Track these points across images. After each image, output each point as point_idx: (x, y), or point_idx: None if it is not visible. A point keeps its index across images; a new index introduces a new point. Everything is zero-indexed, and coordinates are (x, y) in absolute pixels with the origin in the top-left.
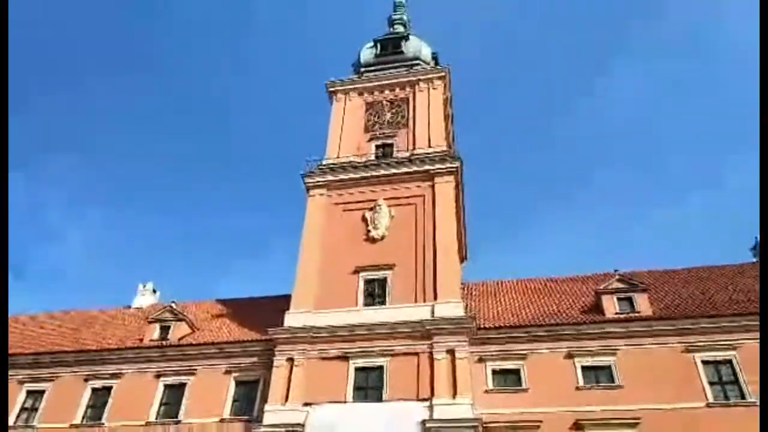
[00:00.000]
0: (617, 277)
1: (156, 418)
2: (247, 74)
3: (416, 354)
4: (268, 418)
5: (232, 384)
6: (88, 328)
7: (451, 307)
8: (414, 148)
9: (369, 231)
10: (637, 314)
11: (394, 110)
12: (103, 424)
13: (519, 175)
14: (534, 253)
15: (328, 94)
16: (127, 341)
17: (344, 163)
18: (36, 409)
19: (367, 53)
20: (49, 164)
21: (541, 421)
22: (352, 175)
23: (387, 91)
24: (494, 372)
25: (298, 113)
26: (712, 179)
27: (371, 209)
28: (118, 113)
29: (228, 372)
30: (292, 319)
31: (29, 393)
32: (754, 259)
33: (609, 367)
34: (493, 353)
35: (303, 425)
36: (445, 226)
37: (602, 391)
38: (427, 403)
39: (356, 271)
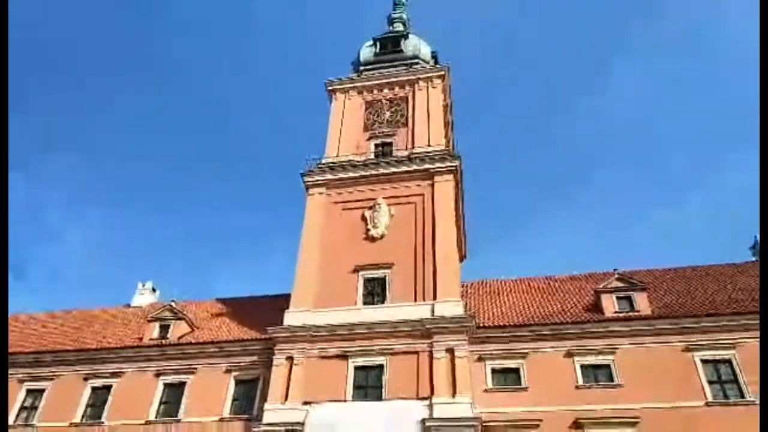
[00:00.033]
0: (616, 276)
1: (156, 417)
2: (247, 74)
3: (416, 353)
4: (267, 417)
5: (232, 383)
6: (88, 327)
7: (451, 306)
8: (413, 147)
9: (368, 230)
10: (636, 313)
11: (393, 109)
12: (102, 423)
13: (519, 174)
14: (534, 252)
15: (328, 92)
16: (127, 340)
17: (343, 161)
18: (36, 408)
19: (366, 52)
20: (49, 164)
21: (540, 420)
22: (351, 174)
23: (386, 90)
24: (494, 371)
25: (298, 113)
26: (712, 179)
27: (371, 208)
28: (118, 113)
29: (228, 371)
30: (292, 318)
31: (29, 392)
32: (754, 258)
33: (608, 366)
34: (493, 352)
35: (302, 424)
36: (445, 225)
37: (602, 390)
38: (426, 402)
39: (356, 270)
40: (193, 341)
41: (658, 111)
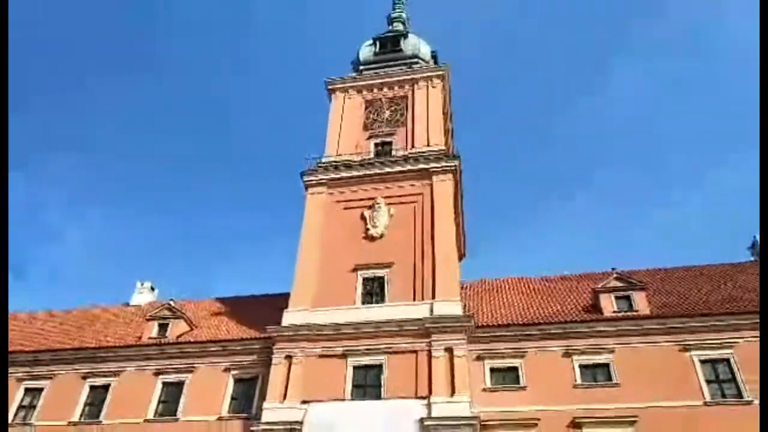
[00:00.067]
0: (615, 275)
1: (154, 416)
2: (247, 74)
3: (414, 352)
4: (266, 416)
5: (231, 382)
6: (87, 326)
7: (450, 306)
8: (413, 147)
9: (368, 229)
10: (634, 313)
11: (393, 108)
12: (101, 421)
13: (519, 174)
14: (533, 252)
15: (327, 92)
16: (126, 339)
17: (343, 161)
18: (34, 407)
19: (366, 51)
20: (49, 164)
21: (539, 419)
22: (350, 174)
23: (386, 89)
24: (492, 370)
25: (298, 113)
26: (711, 179)
27: (370, 207)
28: (118, 113)
29: (227, 370)
30: (291, 317)
31: (27, 390)
32: (752, 258)
33: (607, 366)
34: (492, 351)
35: (301, 423)
36: (444, 225)
37: (600, 389)
38: (425, 401)
39: (355, 269)
40: (192, 340)
41: (658, 111)
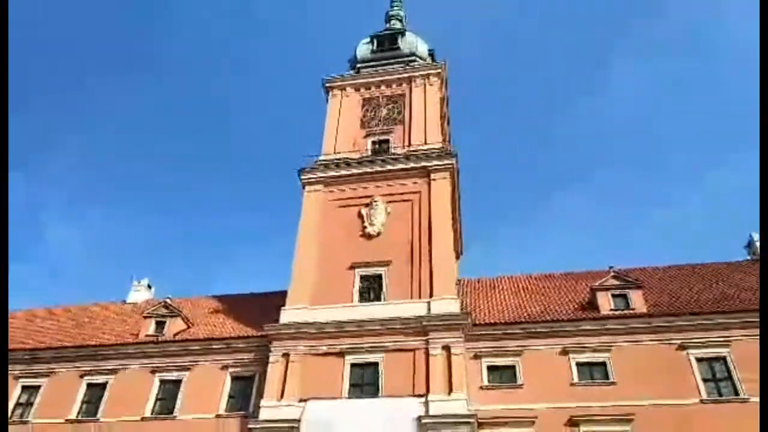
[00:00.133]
0: (612, 274)
1: (151, 414)
2: (247, 74)
3: (412, 350)
4: (263, 414)
5: (228, 380)
6: (84, 323)
7: (447, 304)
8: (410, 145)
9: (365, 227)
10: (632, 311)
11: (390, 106)
12: (98, 419)
13: (518, 174)
14: (533, 251)
15: (325, 90)
16: (123, 337)
17: (340, 159)
18: (31, 405)
19: (363, 49)
20: (49, 164)
21: (536, 417)
22: (348, 172)
23: (383, 87)
24: (489, 368)
25: (298, 113)
26: (711, 179)
27: (367, 205)
28: (117, 113)
29: (224, 368)
30: (288, 315)
31: (24, 388)
32: (749, 257)
33: (604, 364)
34: (489, 349)
35: (299, 421)
36: (441, 223)
37: (597, 387)
38: (422, 399)
39: (352, 267)
40: (190, 338)
41: (658, 111)
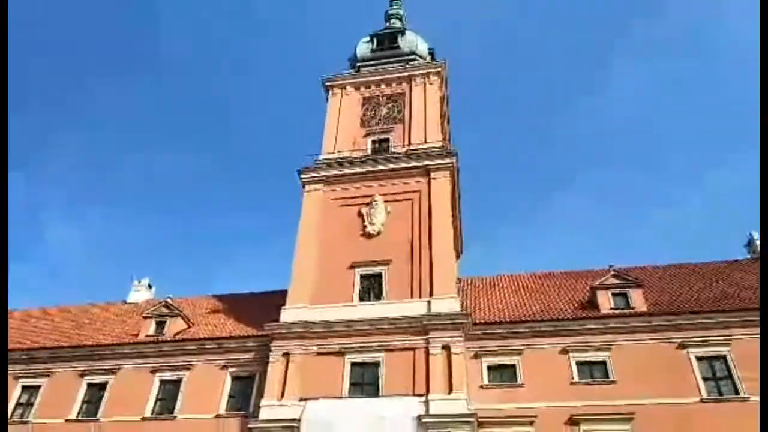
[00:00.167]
0: (612, 273)
1: (151, 414)
2: (247, 74)
3: (412, 349)
4: (263, 414)
5: (228, 379)
6: (84, 323)
7: (447, 303)
8: (410, 144)
9: (365, 226)
10: (631, 310)
11: (390, 105)
12: (98, 419)
13: (518, 173)
14: (533, 251)
15: (325, 89)
16: (123, 337)
17: (340, 158)
18: (31, 405)
19: (363, 48)
20: (49, 164)
21: (536, 416)
22: (348, 171)
23: (383, 86)
24: (489, 367)
25: (298, 113)
26: (711, 178)
27: (367, 205)
28: (117, 113)
29: (224, 367)
30: (288, 314)
31: (24, 388)
32: (749, 256)
33: (604, 363)
34: (489, 349)
35: (299, 420)
36: (441, 222)
37: (597, 386)
38: (422, 399)
39: (352, 267)
40: (190, 338)
41: (658, 111)
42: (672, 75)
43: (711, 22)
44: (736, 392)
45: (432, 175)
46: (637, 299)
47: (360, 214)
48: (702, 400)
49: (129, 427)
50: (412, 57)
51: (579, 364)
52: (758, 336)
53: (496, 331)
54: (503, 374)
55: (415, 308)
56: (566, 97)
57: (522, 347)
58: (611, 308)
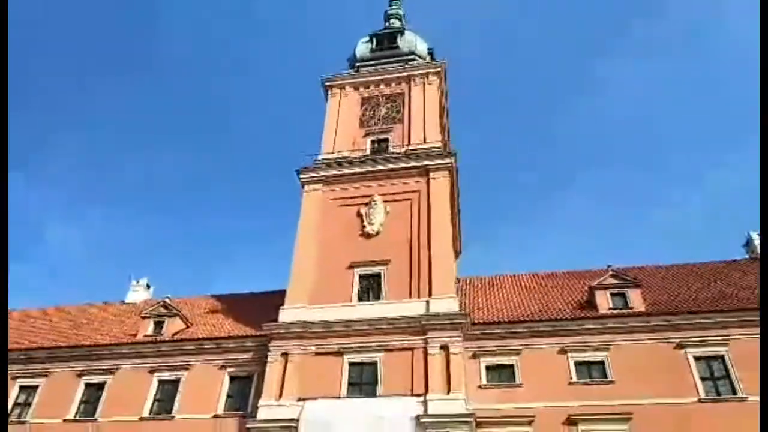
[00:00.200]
0: (611, 272)
1: (150, 414)
2: (246, 74)
3: (410, 349)
4: (262, 414)
5: (227, 379)
6: (82, 323)
7: (446, 303)
8: (409, 144)
9: (364, 226)
10: (630, 310)
11: (389, 105)
12: (96, 419)
13: (518, 173)
14: (532, 251)
15: (324, 89)
16: (121, 337)
17: (339, 158)
18: (29, 405)
19: (362, 48)
20: (49, 164)
21: (534, 416)
22: (347, 171)
23: (382, 86)
24: (488, 367)
25: (298, 113)
26: (711, 178)
27: (366, 204)
28: (117, 113)
29: (222, 367)
30: (287, 314)
31: (22, 388)
32: (747, 256)
33: (602, 363)
34: (487, 349)
35: (297, 420)
36: (440, 222)
37: (595, 386)
38: (421, 399)
39: (351, 267)
40: (188, 338)
41: (658, 111)
42: (672, 75)
43: (711, 22)
44: (734, 392)
45: (431, 175)
46: (636, 299)
47: (359, 214)
48: (700, 400)
49: (127, 427)
50: (412, 57)
51: (577, 364)
52: (757, 336)
53: (495, 331)
54: (501, 374)
55: (414, 308)
56: (566, 97)
57: (520, 347)
58: (610, 308)
